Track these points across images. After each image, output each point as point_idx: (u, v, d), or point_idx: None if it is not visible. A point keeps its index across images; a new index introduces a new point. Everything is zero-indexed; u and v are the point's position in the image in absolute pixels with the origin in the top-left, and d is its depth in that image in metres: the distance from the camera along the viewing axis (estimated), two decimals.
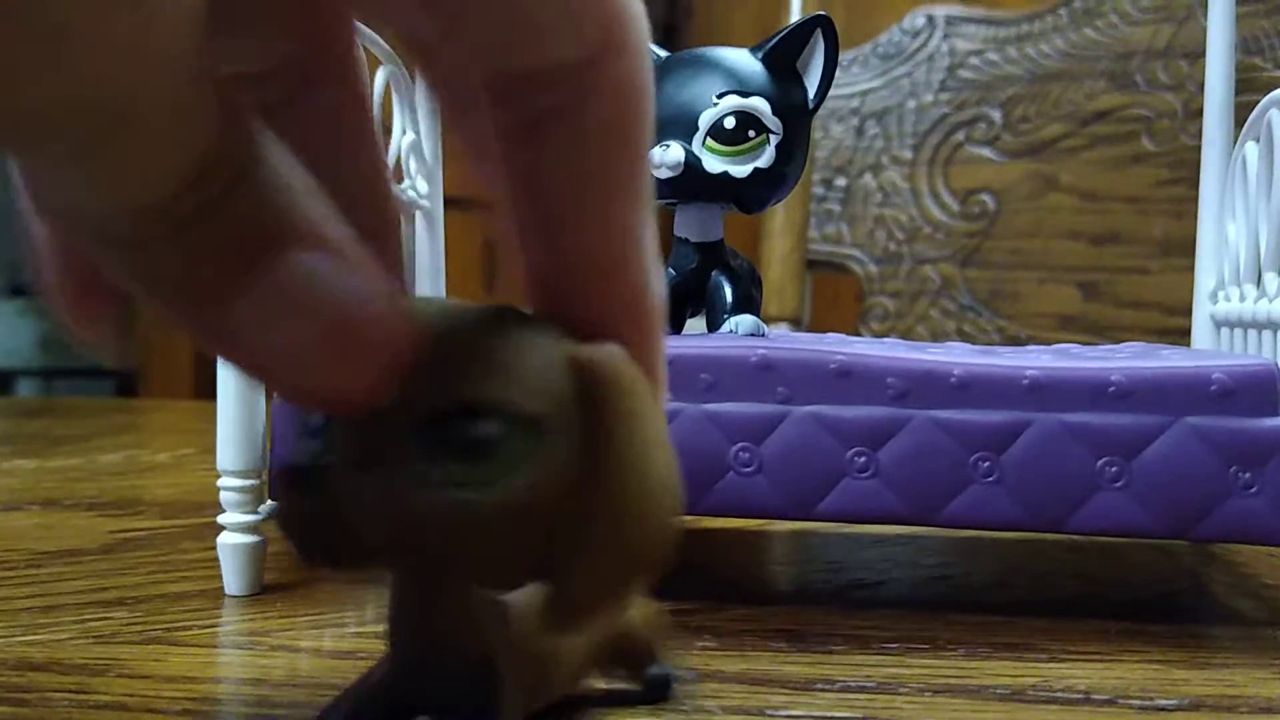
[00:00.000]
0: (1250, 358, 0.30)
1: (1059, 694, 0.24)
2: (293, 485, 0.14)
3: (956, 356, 0.30)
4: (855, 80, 0.84)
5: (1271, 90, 0.37)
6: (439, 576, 0.16)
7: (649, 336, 0.15)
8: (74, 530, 0.41)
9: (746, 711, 0.23)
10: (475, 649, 0.17)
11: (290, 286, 0.12)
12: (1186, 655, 0.27)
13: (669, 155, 0.32)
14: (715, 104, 0.33)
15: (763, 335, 0.33)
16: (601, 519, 0.14)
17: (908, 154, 0.82)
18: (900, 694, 0.24)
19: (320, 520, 0.13)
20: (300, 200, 0.13)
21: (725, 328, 0.33)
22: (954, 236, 0.81)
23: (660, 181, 0.33)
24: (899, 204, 0.82)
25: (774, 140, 0.33)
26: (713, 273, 0.34)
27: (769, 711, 0.23)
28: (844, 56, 0.81)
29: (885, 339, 0.37)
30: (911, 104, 0.83)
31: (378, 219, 0.16)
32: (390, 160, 0.40)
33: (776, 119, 0.33)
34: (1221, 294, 0.41)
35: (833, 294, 1.01)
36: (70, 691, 0.23)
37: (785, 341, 0.31)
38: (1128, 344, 0.38)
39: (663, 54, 0.35)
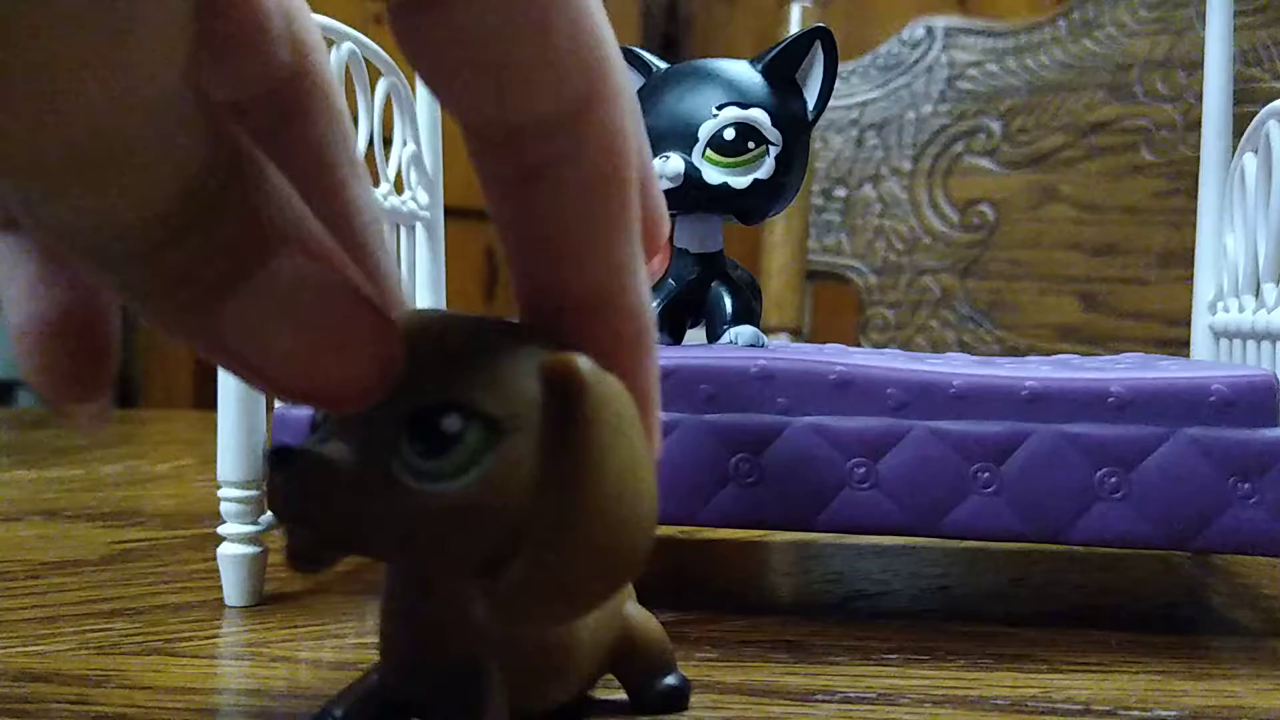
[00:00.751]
0: (1249, 368, 0.30)
1: (1059, 705, 0.24)
2: (277, 463, 0.15)
3: (956, 367, 0.30)
4: (855, 91, 0.84)
5: (1270, 101, 0.37)
6: (422, 574, 0.17)
7: (641, 362, 0.16)
8: (74, 541, 0.41)
9: None
10: (465, 649, 0.18)
11: (278, 289, 0.13)
12: (1186, 666, 0.27)
13: (669, 166, 0.33)
14: (715, 115, 0.33)
15: (762, 346, 0.33)
16: (555, 518, 0.14)
17: (907, 165, 0.83)
18: (901, 704, 0.24)
19: (297, 495, 0.15)
20: (285, 207, 0.13)
21: (725, 339, 0.33)
22: (954, 247, 0.81)
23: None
24: (899, 215, 0.83)
25: (773, 151, 0.33)
26: (713, 284, 0.35)
27: None
28: (843, 68, 0.81)
29: (885, 350, 0.37)
30: (911, 115, 0.83)
31: (356, 243, 0.16)
32: (390, 171, 0.40)
33: (776, 130, 0.33)
34: (1220, 305, 0.41)
35: (833, 304, 1.01)
36: (70, 702, 0.23)
37: (785, 353, 0.31)
38: (1127, 355, 0.38)
39: (663, 65, 0.36)
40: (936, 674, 0.26)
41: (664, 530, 0.43)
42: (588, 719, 0.22)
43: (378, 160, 0.39)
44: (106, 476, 0.59)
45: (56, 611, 0.31)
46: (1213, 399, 0.28)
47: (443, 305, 0.45)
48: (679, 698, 0.23)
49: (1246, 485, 0.28)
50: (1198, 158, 0.44)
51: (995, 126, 0.81)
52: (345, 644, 0.28)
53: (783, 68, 0.34)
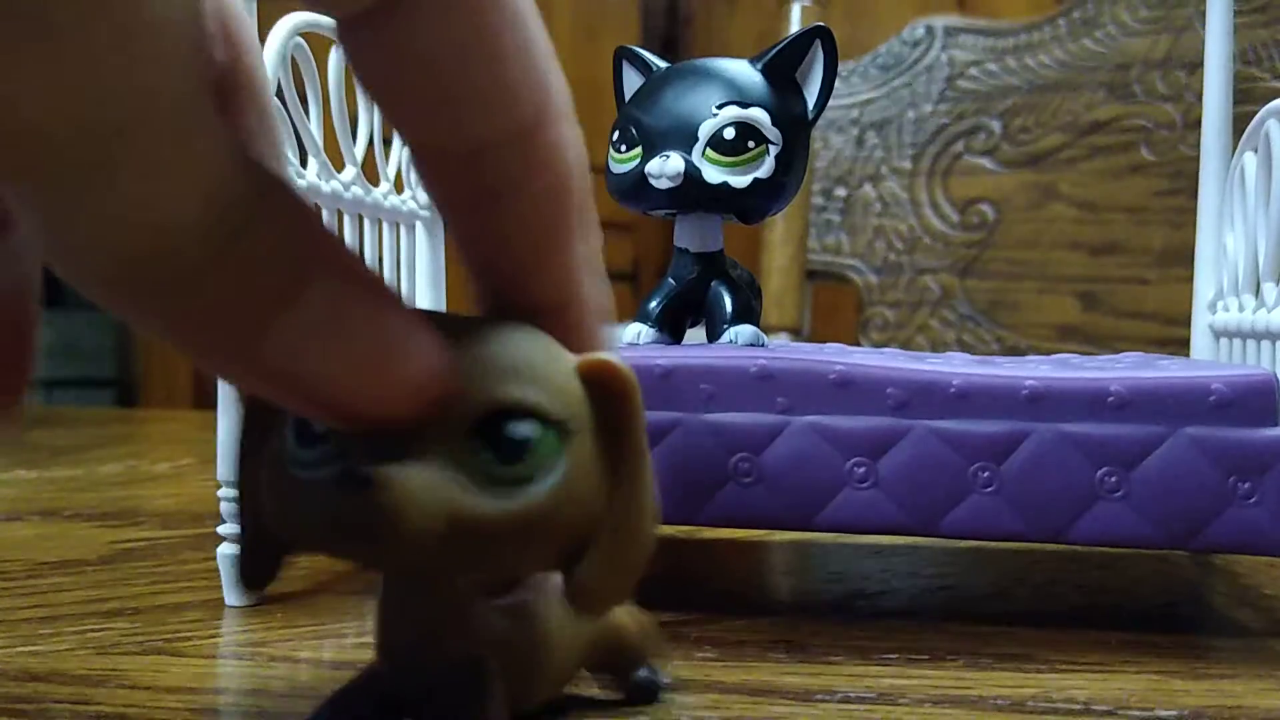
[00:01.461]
0: (1249, 368, 0.30)
1: (1059, 704, 0.24)
2: (353, 487, 0.14)
3: (956, 367, 0.30)
4: (854, 91, 0.84)
5: (1270, 100, 0.37)
6: (432, 576, 0.17)
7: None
8: (74, 541, 0.41)
9: None
10: (464, 648, 0.18)
11: (324, 314, 0.13)
12: (1186, 666, 0.27)
13: (669, 166, 0.33)
14: (715, 114, 0.33)
15: (762, 345, 0.33)
16: (621, 515, 0.15)
17: (907, 164, 0.83)
18: (901, 704, 0.24)
19: (376, 522, 0.14)
20: (319, 231, 0.13)
21: (725, 338, 0.33)
22: (953, 247, 0.81)
23: (660, 192, 0.33)
24: (898, 214, 0.83)
25: (773, 151, 0.33)
26: (712, 283, 0.35)
27: None
28: (843, 67, 0.81)
29: (885, 349, 0.37)
30: (911, 114, 0.83)
31: None
32: (390, 171, 0.40)
33: (776, 129, 0.33)
34: (1220, 304, 0.41)
35: (833, 304, 1.01)
36: (70, 702, 0.23)
37: (785, 352, 0.31)
38: (1127, 354, 0.38)
39: (663, 64, 0.36)
40: (936, 673, 0.26)
41: (664, 530, 0.43)
42: (570, 715, 0.22)
43: (378, 160, 0.39)
44: (106, 476, 0.59)
45: (56, 611, 0.31)
46: (1213, 399, 0.28)
47: (443, 305, 0.45)
48: (651, 690, 0.23)
49: (1247, 485, 0.28)
50: (1197, 157, 0.44)
51: (995, 126, 0.81)
52: (345, 644, 0.28)
53: (783, 67, 0.34)
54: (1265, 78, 0.72)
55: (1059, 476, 0.29)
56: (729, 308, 0.34)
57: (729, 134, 0.33)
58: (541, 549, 0.15)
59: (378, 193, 0.39)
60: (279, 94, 0.32)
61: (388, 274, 0.40)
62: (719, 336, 0.34)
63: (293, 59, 0.33)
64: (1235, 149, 0.41)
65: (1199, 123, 0.44)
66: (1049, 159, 0.80)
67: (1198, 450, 0.28)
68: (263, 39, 0.31)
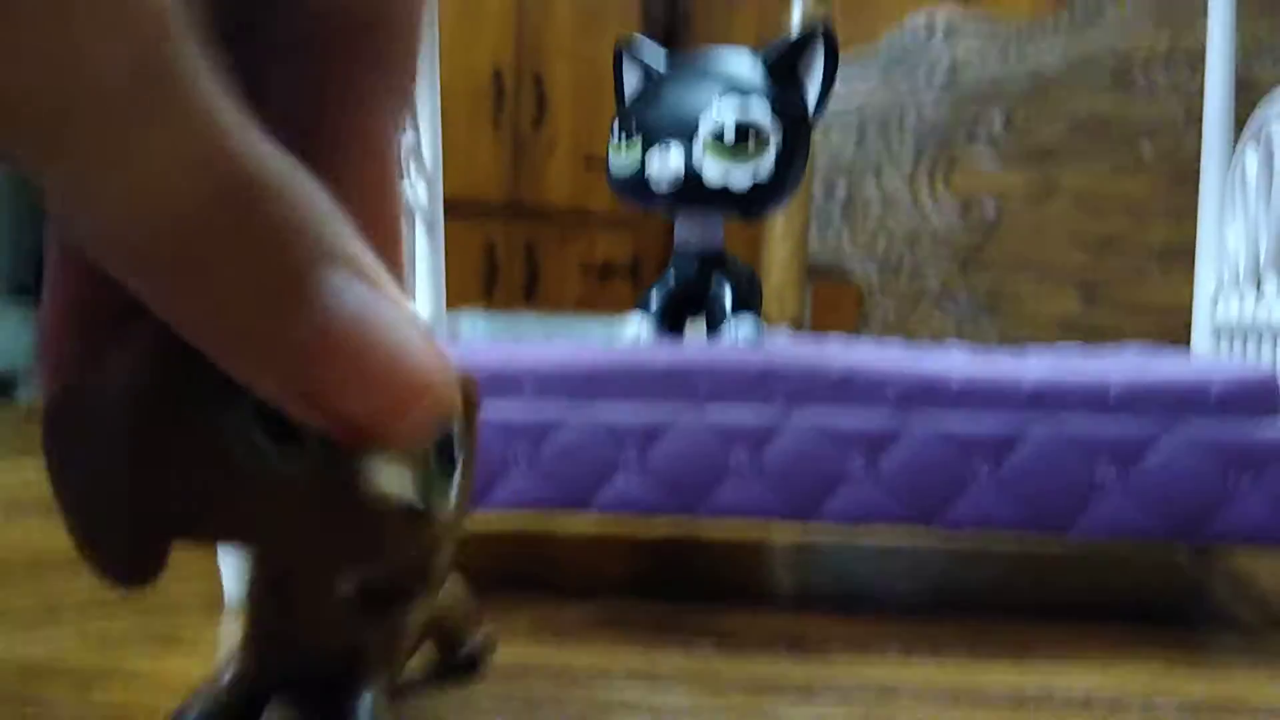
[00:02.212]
0: (1249, 364, 0.30)
1: (1059, 697, 0.24)
2: (418, 525, 0.14)
3: (956, 364, 0.30)
4: (856, 85, 0.84)
5: (1272, 95, 0.37)
6: (308, 567, 0.17)
7: (394, 241, 0.15)
8: None
9: (748, 715, 0.23)
10: (339, 634, 0.18)
11: (335, 314, 0.12)
12: (1186, 659, 0.27)
13: (668, 165, 0.33)
14: (716, 107, 0.33)
15: (763, 336, 0.33)
16: (461, 502, 0.16)
17: (908, 159, 0.83)
18: (901, 698, 0.24)
19: (430, 556, 0.15)
20: (327, 218, 0.12)
21: (726, 329, 0.33)
22: (954, 241, 0.81)
23: (661, 189, 0.33)
24: (899, 209, 0.82)
25: (774, 147, 0.33)
26: (713, 277, 0.35)
27: (770, 715, 0.23)
28: (845, 61, 0.81)
29: (885, 344, 0.37)
30: (912, 109, 0.83)
31: (383, 233, 0.16)
32: None
33: (777, 125, 0.33)
34: (1221, 299, 0.41)
35: (834, 299, 1.01)
36: (72, 695, 0.23)
37: (786, 349, 0.31)
38: (1127, 347, 0.38)
39: (663, 55, 0.36)
40: (936, 667, 0.26)
41: (665, 523, 0.43)
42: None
43: None
44: None
45: (58, 605, 0.31)
46: (1213, 394, 0.28)
47: (443, 302, 0.45)
48: (476, 662, 0.24)
49: (1246, 479, 0.28)
50: (1199, 153, 0.44)
51: (996, 121, 0.81)
52: None
53: (785, 63, 0.34)
54: (1267, 72, 0.72)
55: (1060, 472, 0.29)
56: (729, 300, 0.34)
57: (730, 128, 0.33)
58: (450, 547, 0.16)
59: None
60: None
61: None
62: (719, 328, 0.34)
63: None
64: (1236, 144, 0.41)
65: (1201, 118, 0.44)
66: (1050, 154, 0.80)
67: (1198, 445, 0.28)
68: None
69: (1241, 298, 0.38)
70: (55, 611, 0.30)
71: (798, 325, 0.81)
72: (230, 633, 0.28)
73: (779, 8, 0.82)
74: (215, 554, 0.32)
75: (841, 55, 0.35)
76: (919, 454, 0.29)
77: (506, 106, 1.40)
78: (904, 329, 0.81)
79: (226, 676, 0.18)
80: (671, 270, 0.35)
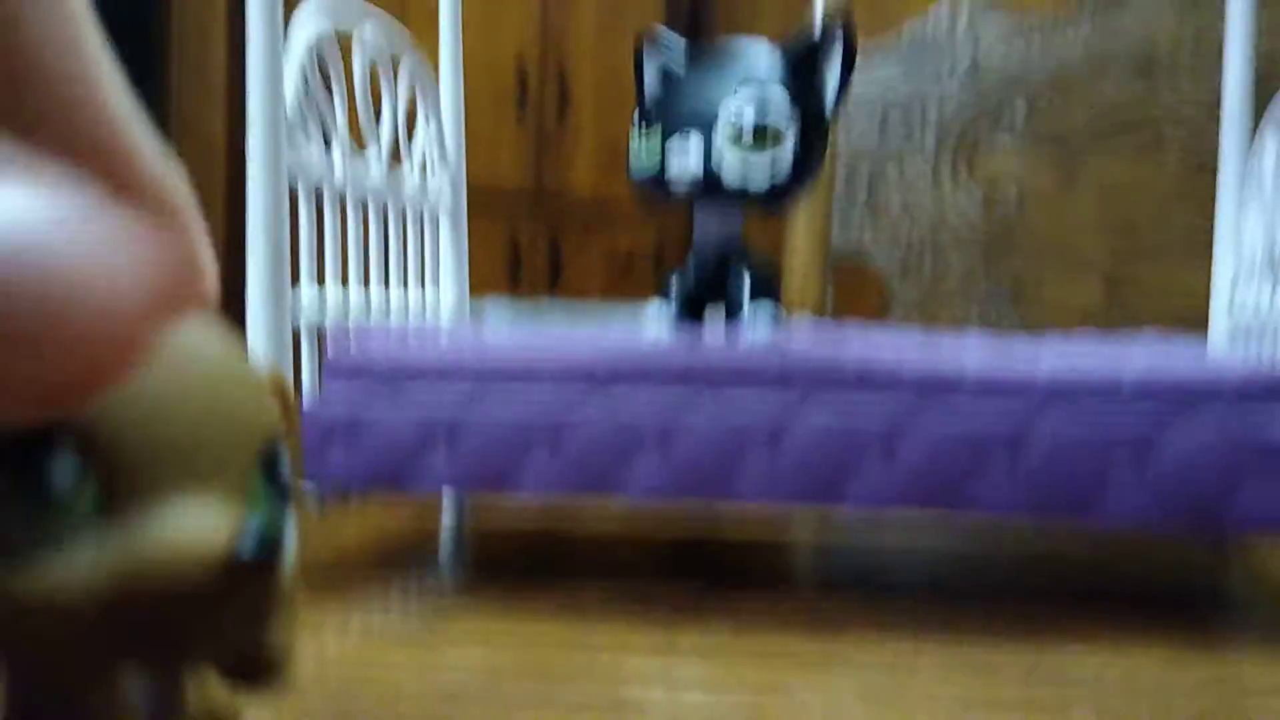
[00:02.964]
0: (1266, 354, 0.30)
1: (1071, 677, 0.25)
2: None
3: (974, 352, 0.31)
4: (878, 72, 0.84)
5: None
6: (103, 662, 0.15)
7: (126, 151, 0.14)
8: None
9: (764, 690, 0.23)
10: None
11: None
12: (1198, 644, 0.28)
13: (688, 163, 0.33)
14: (735, 98, 0.33)
15: (781, 324, 0.34)
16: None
17: (930, 147, 0.83)
18: (917, 674, 0.24)
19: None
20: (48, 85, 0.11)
21: (745, 315, 0.34)
22: (976, 229, 0.81)
23: (681, 188, 0.34)
24: (921, 197, 0.83)
25: (793, 135, 0.34)
26: (731, 267, 0.35)
27: (782, 686, 0.23)
28: (867, 51, 0.81)
29: (905, 330, 0.37)
30: (934, 99, 0.83)
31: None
32: (416, 155, 0.41)
33: (795, 116, 0.33)
34: (1239, 287, 0.41)
35: (856, 286, 1.01)
36: None
37: (805, 337, 0.32)
38: (1145, 333, 0.38)
39: (687, 46, 0.36)
40: (952, 646, 0.27)
41: (687, 506, 0.44)
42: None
43: (401, 146, 0.40)
44: None
45: None
46: (1229, 383, 0.29)
47: (465, 293, 0.45)
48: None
49: (1261, 468, 0.28)
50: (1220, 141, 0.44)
51: (1019, 108, 0.81)
52: (346, 639, 0.29)
53: (804, 55, 0.34)
54: None
55: (1077, 460, 0.29)
56: (748, 287, 0.35)
57: (749, 118, 0.33)
58: None
59: (404, 176, 0.39)
60: (305, 86, 0.33)
61: (411, 263, 0.40)
62: (738, 315, 0.34)
63: (319, 54, 0.34)
64: (1256, 133, 0.41)
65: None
66: (1073, 141, 0.79)
67: (1213, 434, 0.28)
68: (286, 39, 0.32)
69: (1258, 286, 0.38)
70: None
71: (820, 313, 0.81)
72: None
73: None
74: None
75: (863, 45, 0.35)
76: (936, 440, 0.29)
77: (530, 99, 1.41)
78: (926, 316, 0.81)
79: None
80: (691, 260, 0.35)
